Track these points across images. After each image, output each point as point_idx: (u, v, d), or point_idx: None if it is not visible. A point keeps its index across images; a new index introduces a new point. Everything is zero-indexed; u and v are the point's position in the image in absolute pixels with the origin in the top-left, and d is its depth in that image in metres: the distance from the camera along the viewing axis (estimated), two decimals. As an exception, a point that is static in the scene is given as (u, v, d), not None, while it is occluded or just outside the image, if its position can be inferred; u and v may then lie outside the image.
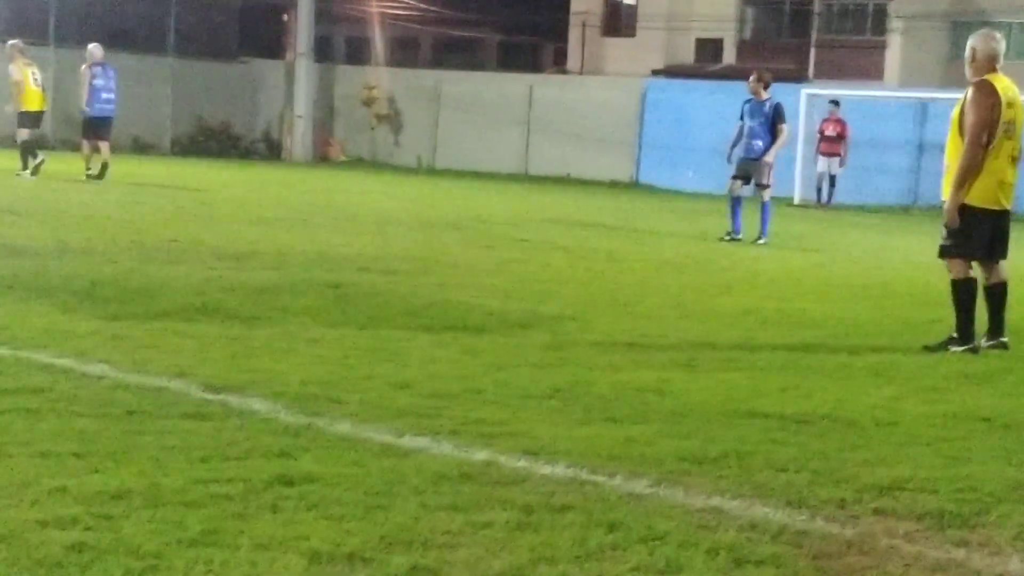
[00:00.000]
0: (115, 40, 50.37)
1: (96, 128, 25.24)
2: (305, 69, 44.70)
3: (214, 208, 18.72)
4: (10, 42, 27.04)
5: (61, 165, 25.33)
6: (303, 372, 6.98)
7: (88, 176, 24.08)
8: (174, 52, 45.97)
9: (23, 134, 25.11)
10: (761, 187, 18.26)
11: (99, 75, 25.68)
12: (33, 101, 25.50)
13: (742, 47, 50.65)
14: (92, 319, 8.21)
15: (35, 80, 25.63)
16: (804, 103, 30.48)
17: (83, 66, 25.90)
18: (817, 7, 49.56)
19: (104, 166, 24.23)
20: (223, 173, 30.82)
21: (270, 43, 49.48)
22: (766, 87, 18.43)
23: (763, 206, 18.19)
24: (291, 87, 44.86)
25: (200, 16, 51.62)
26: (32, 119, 25.53)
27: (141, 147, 43.60)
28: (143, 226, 14.83)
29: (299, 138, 44.15)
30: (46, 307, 8.56)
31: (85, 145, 25.26)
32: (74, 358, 6.93)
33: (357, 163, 41.60)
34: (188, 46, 46.78)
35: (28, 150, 24.64)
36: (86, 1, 50.53)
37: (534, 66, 51.30)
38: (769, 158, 18.16)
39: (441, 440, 5.73)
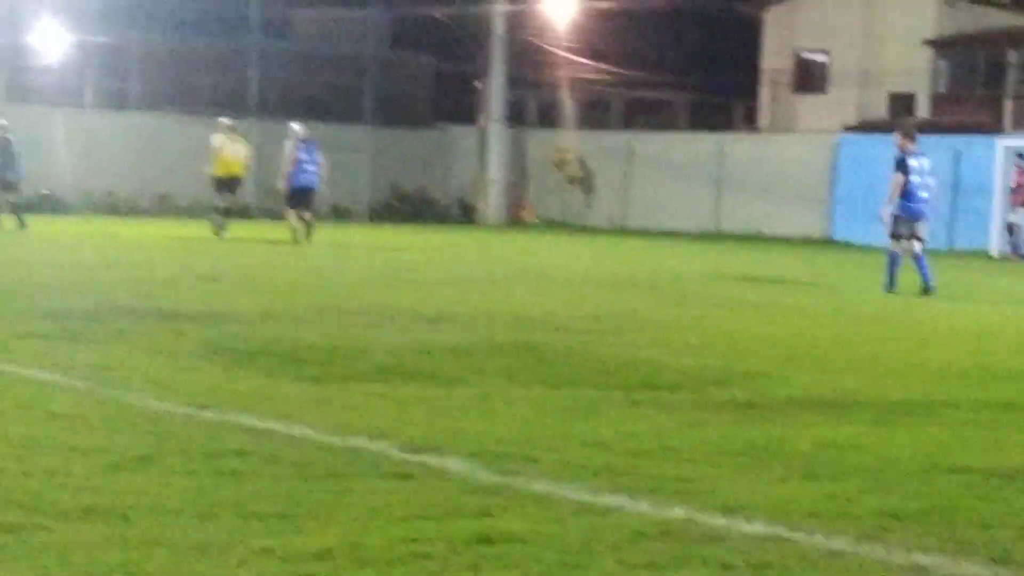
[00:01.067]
0: (313, 111, 51.46)
1: (300, 198, 26.33)
2: (498, 134, 45.13)
3: (410, 272, 18.93)
4: (221, 118, 29.34)
5: (263, 232, 25.95)
6: (499, 431, 7.00)
7: (294, 239, 24.92)
8: (371, 121, 46.78)
9: (216, 198, 27.63)
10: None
11: (303, 150, 26.86)
12: (223, 167, 27.54)
13: (936, 100, 49.82)
14: (294, 382, 8.34)
15: (232, 151, 27.74)
16: (1000, 155, 29.89)
17: (287, 142, 26.85)
18: (1012, 59, 48.65)
19: (309, 231, 25.39)
20: (418, 237, 31.21)
21: (464, 109, 50.02)
22: (912, 140, 18.27)
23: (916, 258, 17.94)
24: (484, 152, 45.31)
25: (396, 85, 52.49)
26: (221, 183, 27.57)
27: (340, 213, 44.32)
28: (342, 290, 15.07)
29: (492, 201, 44.53)
30: (250, 371, 8.72)
31: (291, 214, 26.32)
32: (278, 420, 7.04)
33: (549, 225, 41.79)
34: (384, 115, 47.59)
35: (218, 213, 26.70)
36: (286, 74, 51.74)
37: (725, 125, 51.02)
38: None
39: (638, 498, 5.69)
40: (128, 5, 51.42)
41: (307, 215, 26.03)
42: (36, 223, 30.46)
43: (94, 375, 8.26)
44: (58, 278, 15.28)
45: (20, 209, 27.48)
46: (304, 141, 27.09)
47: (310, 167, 26.72)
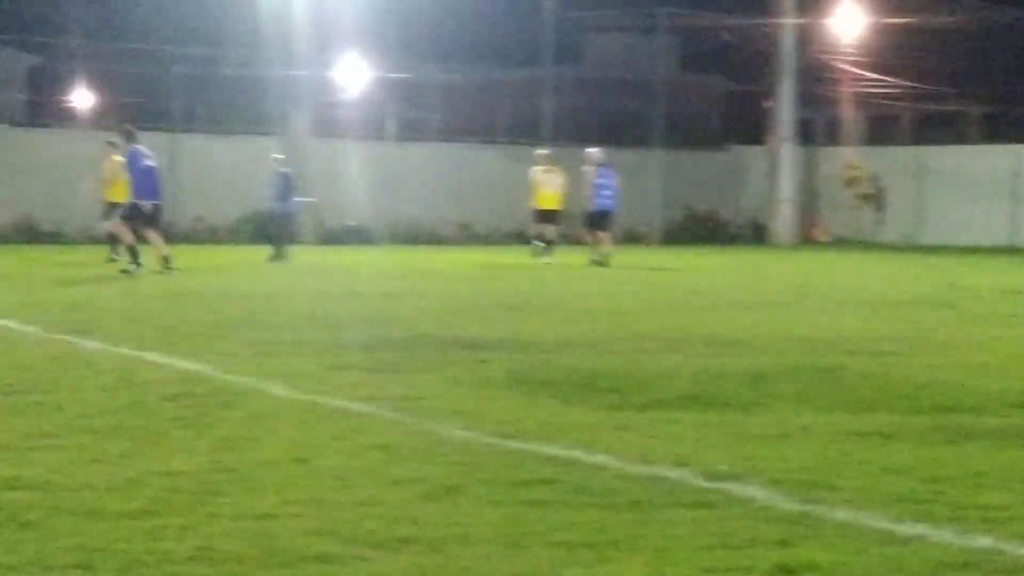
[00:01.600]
0: (606, 135, 51.73)
1: (598, 221, 27.59)
2: (788, 153, 44.67)
3: (704, 296, 18.89)
4: (538, 151, 31.61)
5: (560, 258, 26.25)
6: (799, 458, 6.94)
7: (592, 262, 25.92)
8: (662, 144, 46.78)
9: (533, 228, 29.55)
10: None
11: (600, 175, 28.08)
12: (543, 200, 29.02)
13: None
14: (594, 410, 8.42)
15: (551, 184, 29.30)
16: None
17: (586, 167, 28.28)
18: None
19: (607, 256, 26.31)
20: (711, 260, 31.09)
21: (753, 129, 49.67)
22: None
23: None
24: (775, 171, 44.89)
25: (686, 107, 52.45)
26: (541, 216, 29.11)
27: (633, 237, 44.41)
28: (638, 316, 15.13)
29: (783, 221, 44.08)
30: (552, 399, 8.83)
31: (588, 236, 27.61)
32: (579, 449, 7.12)
33: (841, 243, 41.15)
34: (675, 137, 47.55)
35: (541, 240, 28.19)
36: (578, 100, 52.19)
37: (1021, 136, 49.47)
38: None
39: (941, 526, 5.59)
40: (426, 40, 52.67)
41: (605, 237, 26.61)
42: (342, 255, 31.38)
43: (403, 406, 8.48)
44: (367, 309, 15.72)
45: (282, 241, 28.35)
46: (601, 166, 27.87)
47: (607, 191, 27.51)
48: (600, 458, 6.91)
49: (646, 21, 52.07)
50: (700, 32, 50.84)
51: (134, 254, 22.11)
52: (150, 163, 23.45)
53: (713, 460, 6.85)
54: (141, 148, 23.83)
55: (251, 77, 45.30)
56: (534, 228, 29.72)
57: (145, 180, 23.17)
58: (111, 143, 27.63)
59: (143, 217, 22.80)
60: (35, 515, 5.57)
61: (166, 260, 22.33)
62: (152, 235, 22.83)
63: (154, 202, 23.16)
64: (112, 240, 25.29)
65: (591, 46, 62.82)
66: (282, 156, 30.34)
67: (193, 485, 6.15)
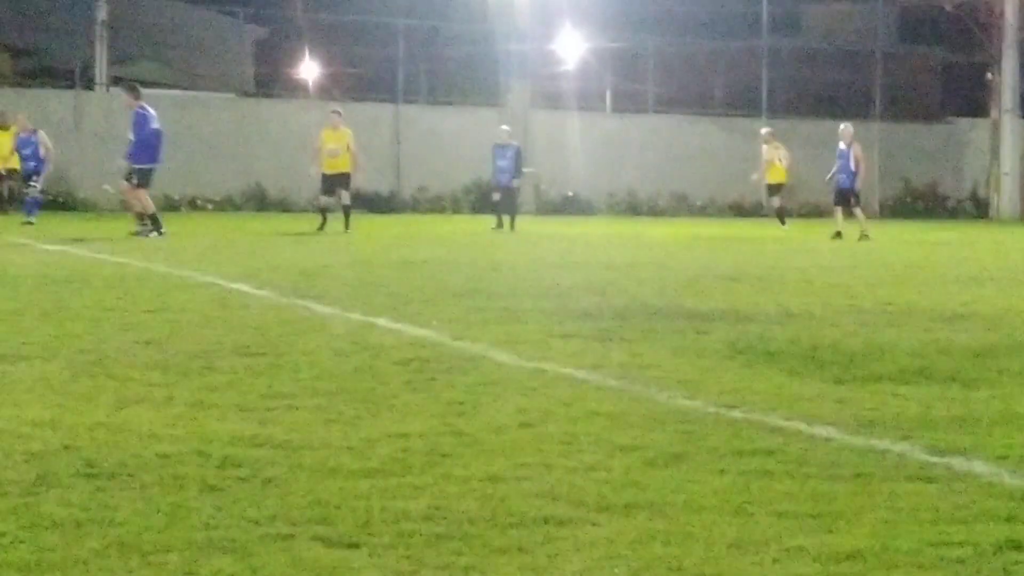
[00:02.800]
0: (822, 108, 51.01)
1: (838, 198, 28.56)
2: (1010, 126, 43.53)
3: (925, 269, 18.58)
4: (763, 129, 34.28)
5: (774, 232, 26.00)
6: (1021, 435, 6.82)
7: (862, 237, 26.60)
8: (880, 116, 45.97)
9: (774, 202, 32.94)
10: None
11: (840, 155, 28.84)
12: (776, 175, 32.52)
13: None
14: (816, 382, 8.36)
15: (779, 159, 32.50)
16: None
17: (841, 144, 29.03)
18: None
19: (863, 234, 26.88)
20: (930, 233, 30.50)
21: (974, 102, 48.48)
22: None
23: None
24: (997, 144, 43.82)
25: (904, 79, 51.41)
26: (771, 189, 32.96)
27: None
28: (858, 289, 14.95)
29: (1006, 195, 43.00)
30: (773, 370, 8.80)
31: (837, 212, 28.34)
32: (802, 420, 7.09)
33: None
34: (893, 110, 46.69)
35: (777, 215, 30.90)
36: (795, 72, 51.51)
37: None
38: None
39: None
40: (643, 11, 52.44)
41: (858, 212, 27.76)
42: (561, 225, 31.58)
43: (627, 374, 8.53)
44: (588, 279, 15.82)
45: (508, 211, 28.84)
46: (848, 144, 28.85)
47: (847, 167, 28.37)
48: (823, 430, 6.87)
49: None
50: (919, 2, 49.75)
51: (158, 221, 22.79)
52: (157, 125, 23.72)
53: (936, 435, 6.76)
54: (149, 109, 23.99)
55: (473, 50, 45.73)
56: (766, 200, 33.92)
57: (157, 142, 23.51)
58: (336, 112, 28.21)
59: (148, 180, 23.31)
60: (276, 472, 5.75)
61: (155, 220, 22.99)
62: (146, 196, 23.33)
63: (155, 165, 23.49)
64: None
65: (808, 16, 61.91)
66: (508, 128, 30.63)
67: (425, 447, 6.29)
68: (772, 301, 13.27)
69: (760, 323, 11.37)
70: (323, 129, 28.17)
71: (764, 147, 33.30)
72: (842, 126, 28.79)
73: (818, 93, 55.31)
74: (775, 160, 32.80)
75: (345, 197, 26.80)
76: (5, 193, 31.33)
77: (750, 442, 6.52)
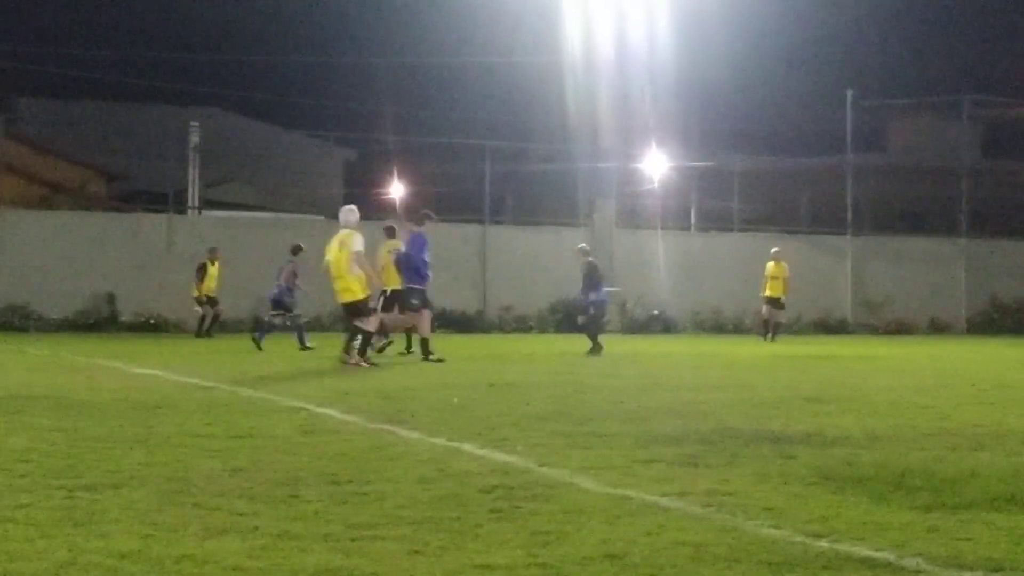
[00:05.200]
0: (909, 223, 50.78)
1: None
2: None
3: (1015, 389, 18.30)
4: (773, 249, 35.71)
5: (860, 349, 25.72)
6: (1122, 566, 6.65)
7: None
8: (966, 232, 45.71)
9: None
10: None
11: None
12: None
13: None
14: (905, 510, 8.22)
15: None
16: None
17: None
18: None
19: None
20: (1020, 351, 30.08)
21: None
22: None
23: None
24: (1086, 259, 43.33)
25: (991, 194, 51.12)
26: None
27: (937, 327, 43.42)
28: (945, 410, 14.74)
29: (1096, 310, 42.41)
30: (860, 497, 8.66)
31: None
32: (891, 551, 6.96)
33: None
34: (981, 225, 46.43)
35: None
36: (880, 188, 51.38)
37: None
38: None
39: None
40: (727, 129, 52.64)
41: None
42: (647, 344, 31.47)
43: (711, 501, 8.44)
44: (673, 401, 15.72)
45: (592, 330, 28.75)
46: None
47: None
48: (913, 561, 6.74)
49: (950, 107, 51.13)
50: (1004, 117, 49.59)
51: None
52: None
53: (1029, 566, 6.62)
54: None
55: (558, 169, 46.04)
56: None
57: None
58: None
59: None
60: (361, 606, 5.72)
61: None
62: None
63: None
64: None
65: (893, 132, 61.89)
66: (587, 246, 30.57)
67: (509, 579, 6.24)
68: (859, 423, 13.11)
69: (847, 447, 11.23)
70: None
71: (771, 264, 36.79)
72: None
73: (904, 209, 55.09)
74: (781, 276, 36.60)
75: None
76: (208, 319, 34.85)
77: (838, 574, 6.41)
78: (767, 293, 36.43)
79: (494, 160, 44.99)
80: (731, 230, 46.07)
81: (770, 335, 35.77)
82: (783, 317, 36.77)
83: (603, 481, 9.19)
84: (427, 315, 24.55)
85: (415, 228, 25.25)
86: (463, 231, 41.25)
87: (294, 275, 29.89)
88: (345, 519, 7.69)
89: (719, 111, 52.41)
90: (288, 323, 29.53)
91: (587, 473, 9.53)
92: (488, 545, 7.03)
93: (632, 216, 45.69)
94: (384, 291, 25.15)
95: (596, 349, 26.84)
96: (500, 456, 10.45)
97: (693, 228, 46.86)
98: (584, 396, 16.32)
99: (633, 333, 39.93)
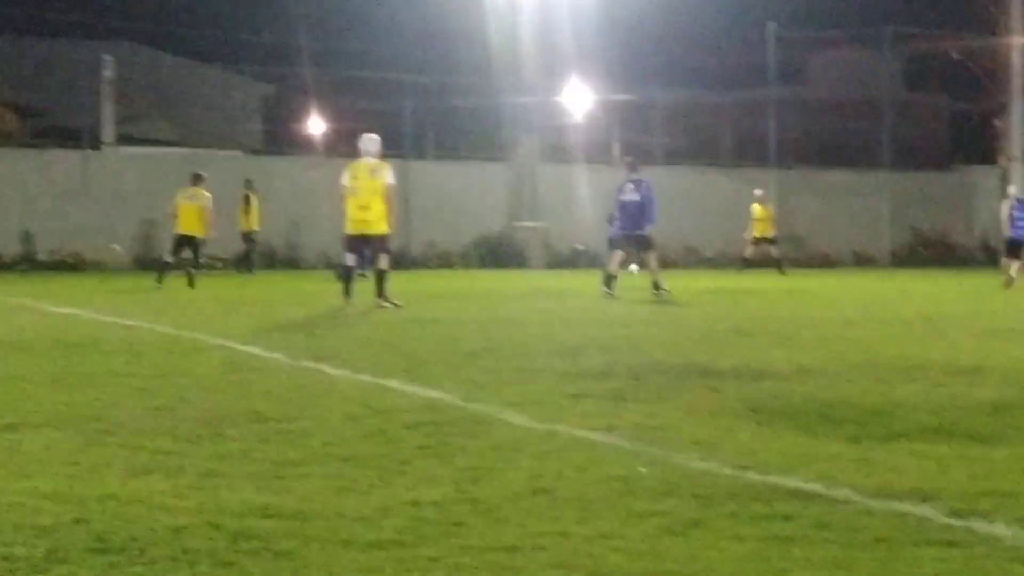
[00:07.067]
0: (830, 157, 51.06)
1: (1016, 249, 29.63)
2: (1019, 173, 43.52)
3: (938, 321, 18.50)
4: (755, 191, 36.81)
5: (792, 283, 25.89)
6: (1047, 496, 6.73)
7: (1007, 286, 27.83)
8: (889, 165, 46.01)
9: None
10: None
11: (1017, 207, 30.01)
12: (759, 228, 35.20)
13: None
14: (834, 441, 8.28)
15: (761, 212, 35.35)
16: None
17: (1005, 202, 30.87)
18: None
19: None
20: (942, 283, 30.44)
21: (983, 149, 48.54)
22: None
23: None
24: (1005, 192, 43.83)
25: (912, 128, 51.49)
26: (756, 241, 37.10)
27: (860, 260, 43.78)
28: (872, 343, 14.88)
29: (1017, 243, 42.93)
30: (789, 430, 8.72)
31: (1008, 265, 29.66)
32: (820, 483, 7.00)
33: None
34: (902, 158, 46.75)
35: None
36: (801, 122, 51.60)
37: None
38: None
39: None
40: (649, 63, 52.63)
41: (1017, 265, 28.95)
42: (571, 279, 31.50)
43: (641, 435, 8.46)
44: (600, 335, 15.75)
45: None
46: (1020, 199, 30.15)
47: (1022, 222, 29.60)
48: (842, 492, 6.79)
49: (871, 39, 51.33)
50: (926, 51, 49.89)
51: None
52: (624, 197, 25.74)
53: (957, 496, 6.68)
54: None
55: (481, 104, 45.85)
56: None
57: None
58: (199, 175, 28.70)
59: None
60: (288, 545, 5.68)
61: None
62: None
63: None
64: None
65: (815, 66, 62.06)
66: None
67: (439, 516, 6.22)
68: (786, 356, 13.20)
69: (775, 380, 11.31)
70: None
71: (757, 207, 37.59)
72: (1012, 188, 31.94)
73: (826, 142, 55.39)
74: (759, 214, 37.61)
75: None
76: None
77: (768, 506, 6.45)
78: (756, 234, 37.56)
79: (415, 95, 44.74)
80: (654, 164, 46.13)
81: (774, 270, 36.89)
82: (776, 251, 37.61)
83: (532, 416, 9.19)
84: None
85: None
86: (385, 166, 40.98)
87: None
88: (271, 457, 7.65)
89: (642, 45, 52.35)
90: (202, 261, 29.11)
91: (515, 408, 9.54)
92: (417, 481, 7.01)
93: (556, 151, 45.62)
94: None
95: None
96: (427, 392, 10.44)
97: (616, 162, 46.88)
98: (512, 332, 16.33)
99: (557, 267, 39.98)
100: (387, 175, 20.88)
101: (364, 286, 22.02)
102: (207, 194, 28.67)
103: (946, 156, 53.40)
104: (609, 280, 24.36)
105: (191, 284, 26.97)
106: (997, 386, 10.96)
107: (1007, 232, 30.37)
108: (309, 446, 8.02)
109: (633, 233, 24.57)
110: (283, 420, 8.99)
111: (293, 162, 44.31)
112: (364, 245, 21.31)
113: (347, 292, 20.81)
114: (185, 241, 28.21)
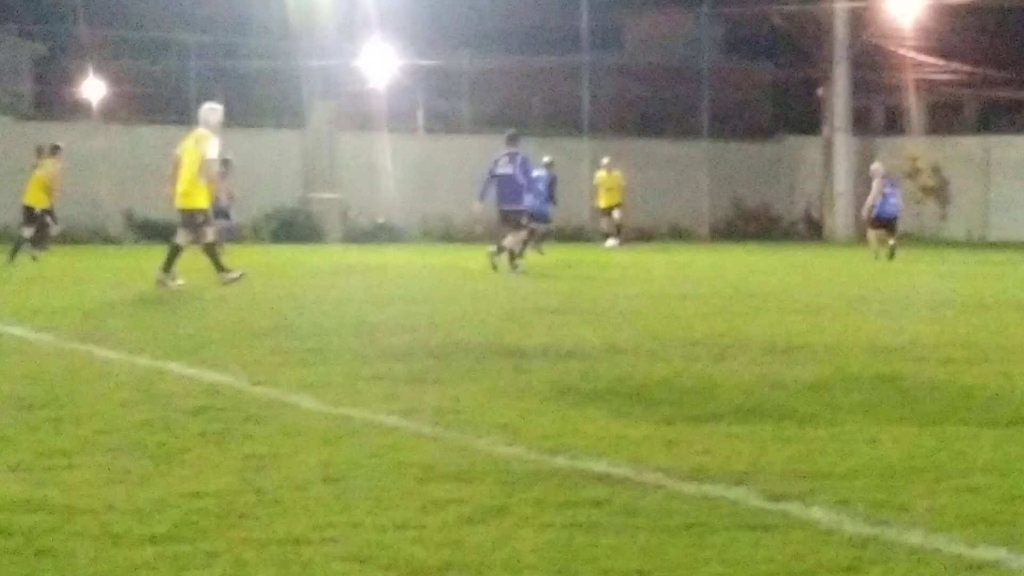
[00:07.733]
0: (649, 127, 51.65)
1: (886, 223, 30.23)
2: (843, 144, 44.52)
3: (757, 298, 18.84)
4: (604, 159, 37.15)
5: (600, 257, 26.11)
6: (864, 476, 6.88)
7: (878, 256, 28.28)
8: (708, 134, 46.66)
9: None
10: None
11: (887, 183, 30.59)
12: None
13: None
14: (645, 423, 8.38)
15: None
16: None
17: (875, 180, 30.72)
18: None
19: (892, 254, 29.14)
20: (763, 258, 31.00)
21: (806, 119, 49.51)
22: None
23: None
24: (830, 163, 44.75)
25: (733, 96, 52.29)
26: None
27: (679, 233, 44.37)
28: (688, 320, 15.09)
29: (840, 216, 43.93)
30: (599, 412, 8.80)
31: (878, 237, 30.27)
32: (630, 467, 7.08)
33: (902, 238, 40.98)
34: (722, 127, 47.43)
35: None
36: (618, 89, 52.09)
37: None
38: None
39: (1018, 551, 5.53)
40: (457, 26, 52.65)
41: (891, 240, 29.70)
42: (372, 254, 31.41)
43: (441, 419, 8.47)
44: (400, 314, 15.73)
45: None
46: (885, 176, 30.69)
47: (893, 199, 30.39)
48: (652, 476, 6.87)
49: (690, 4, 51.99)
50: (746, 13, 50.65)
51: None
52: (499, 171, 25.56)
53: (772, 478, 6.80)
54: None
55: (274, 67, 45.40)
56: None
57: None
58: (56, 147, 28.26)
59: None
60: (53, 540, 5.56)
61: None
62: None
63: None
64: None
65: (630, 31, 62.63)
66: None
67: (220, 507, 6.14)
68: (598, 334, 13.32)
69: (586, 359, 11.40)
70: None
71: (602, 174, 38.18)
72: (876, 165, 31.73)
73: (643, 110, 56.00)
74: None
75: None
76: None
77: (575, 492, 6.49)
78: (603, 204, 38.08)
79: (202, 56, 44.09)
80: (461, 132, 46.16)
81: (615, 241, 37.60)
82: (618, 216, 38.23)
83: (323, 400, 9.15)
84: None
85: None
86: (166, 133, 40.36)
87: None
88: (37, 447, 7.49)
89: (449, 6, 52.30)
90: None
91: (306, 392, 9.48)
92: (197, 471, 6.92)
93: (355, 119, 45.34)
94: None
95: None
96: (210, 375, 10.32)
97: (421, 130, 46.80)
98: (304, 310, 16.22)
99: (357, 242, 39.84)
100: (209, 148, 20.74)
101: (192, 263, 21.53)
102: (52, 163, 28.58)
103: (769, 126, 54.35)
104: (505, 254, 24.52)
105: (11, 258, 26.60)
106: (815, 364, 11.20)
107: (875, 209, 30.71)
108: (79, 435, 7.87)
109: (505, 208, 24.63)
110: (50, 407, 8.81)
111: (67, 128, 43.33)
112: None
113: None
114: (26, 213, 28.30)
